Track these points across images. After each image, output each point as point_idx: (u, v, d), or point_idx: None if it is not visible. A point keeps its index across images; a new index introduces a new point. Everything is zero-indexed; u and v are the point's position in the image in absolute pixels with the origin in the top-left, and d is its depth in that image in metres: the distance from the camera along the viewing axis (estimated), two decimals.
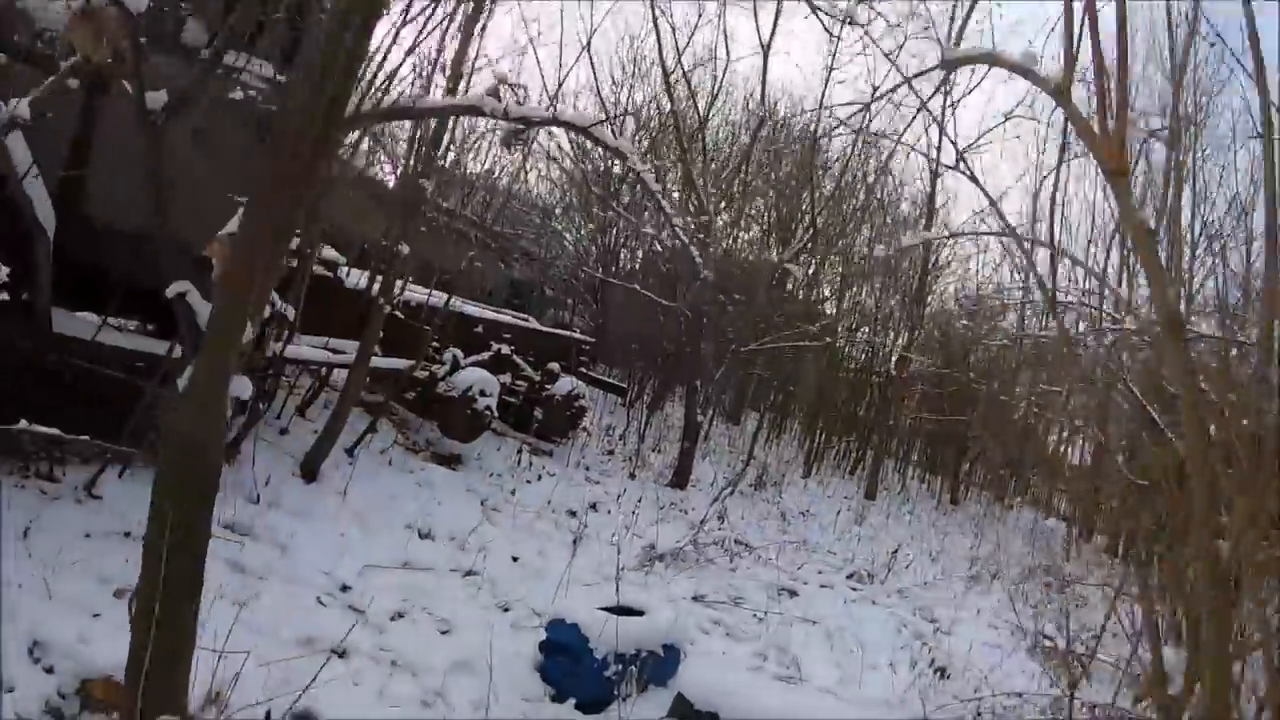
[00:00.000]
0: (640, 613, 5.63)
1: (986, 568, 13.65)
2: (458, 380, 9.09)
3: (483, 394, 9.23)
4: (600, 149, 17.42)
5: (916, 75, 6.43)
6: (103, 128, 5.70)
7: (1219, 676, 3.30)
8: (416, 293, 9.25)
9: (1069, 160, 11.74)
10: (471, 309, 10.24)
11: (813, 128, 15.35)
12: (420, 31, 7.15)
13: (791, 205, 17.97)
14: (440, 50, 7.74)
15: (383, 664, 5.18)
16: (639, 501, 10.70)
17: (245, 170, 6.29)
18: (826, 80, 12.75)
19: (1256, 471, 3.73)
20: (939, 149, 18.73)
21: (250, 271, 3.15)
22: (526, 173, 18.12)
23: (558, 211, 19.61)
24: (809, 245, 15.47)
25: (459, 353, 9.40)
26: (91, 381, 5.65)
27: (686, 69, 13.21)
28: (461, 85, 7.98)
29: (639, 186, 16.88)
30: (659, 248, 14.41)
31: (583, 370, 12.07)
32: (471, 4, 7.47)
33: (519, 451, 10.11)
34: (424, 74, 8.05)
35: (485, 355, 10.06)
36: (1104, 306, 10.66)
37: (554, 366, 11.36)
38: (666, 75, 12.96)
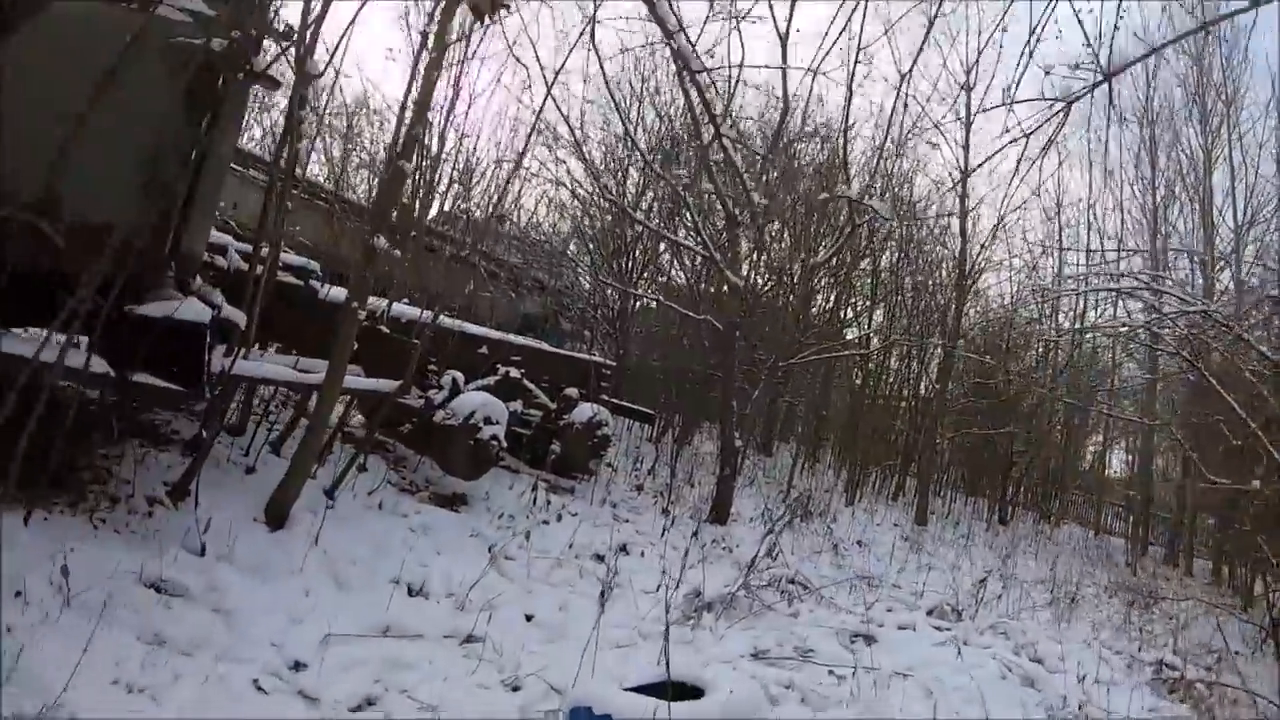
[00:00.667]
0: (695, 690, 3.96)
1: (1061, 590, 11.88)
2: (458, 406, 7.54)
3: (488, 421, 7.66)
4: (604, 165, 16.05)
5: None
6: None
7: None
8: (408, 308, 7.72)
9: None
10: (475, 328, 8.69)
11: (839, 127, 13.77)
12: None
13: (815, 215, 16.45)
14: None
15: None
16: (676, 541, 9.08)
17: (163, 126, 4.94)
18: (851, 76, 11.17)
19: None
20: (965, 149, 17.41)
21: None
22: (517, 203, 16.71)
23: (571, 244, 18.11)
24: (839, 253, 13.87)
25: (459, 376, 7.84)
26: None
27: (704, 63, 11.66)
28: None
29: (659, 197, 15.49)
30: (686, 261, 12.96)
31: (605, 398, 10.44)
32: None
33: (534, 489, 8.50)
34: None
35: (491, 379, 8.49)
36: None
37: (571, 393, 9.77)
38: (680, 73, 11.43)
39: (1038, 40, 6.10)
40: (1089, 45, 5.68)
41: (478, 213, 15.71)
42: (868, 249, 18.83)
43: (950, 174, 17.67)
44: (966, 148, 17.60)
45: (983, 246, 18.73)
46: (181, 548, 5.26)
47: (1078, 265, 23.28)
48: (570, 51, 7.64)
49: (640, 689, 3.79)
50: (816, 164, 16.82)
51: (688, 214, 14.30)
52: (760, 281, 16.16)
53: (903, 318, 20.87)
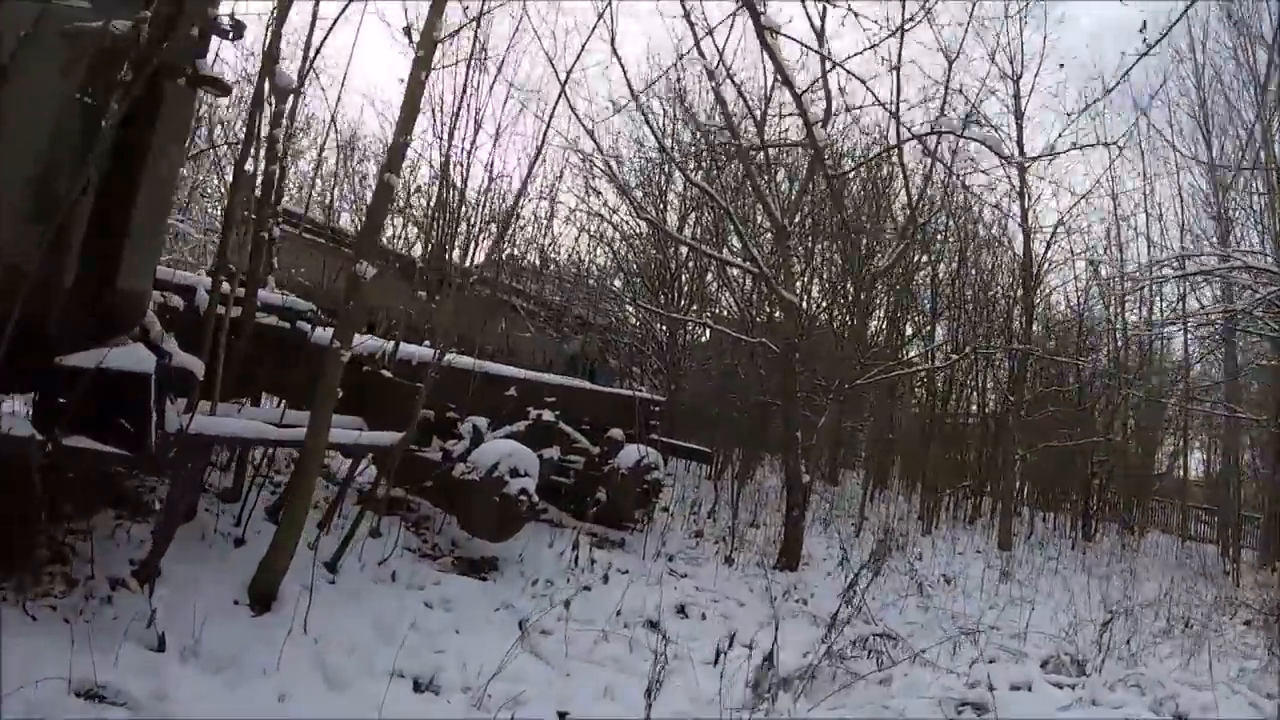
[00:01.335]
0: None
1: (1169, 612, 10.34)
2: (479, 458, 6.40)
3: (516, 473, 6.49)
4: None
5: None
6: None
7: None
8: (418, 349, 6.62)
9: None
10: (500, 368, 7.55)
11: (885, 134, 12.52)
12: None
13: (864, 230, 15.18)
14: None
15: None
16: (743, 594, 7.83)
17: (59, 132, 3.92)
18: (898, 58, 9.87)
19: None
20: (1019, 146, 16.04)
21: None
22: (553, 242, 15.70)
23: (615, 280, 16.99)
24: (901, 259, 12.54)
25: (482, 422, 6.70)
26: None
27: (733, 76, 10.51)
28: None
29: (700, 221, 14.34)
30: (734, 285, 11.77)
31: (655, 438, 9.20)
32: None
33: (576, 546, 7.25)
34: None
35: (521, 425, 7.33)
36: None
37: (616, 434, 8.57)
38: (716, 86, 10.27)
39: None
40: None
41: (512, 250, 14.87)
42: (924, 260, 17.44)
43: (1006, 172, 16.27)
44: (1020, 140, 16.25)
45: (1047, 243, 17.18)
46: (138, 642, 4.19)
47: (1137, 260, 21.56)
48: (585, 43, 6.50)
49: None
50: (864, 159, 15.46)
51: (733, 235, 13.18)
52: (814, 300, 14.87)
53: (965, 329, 19.35)
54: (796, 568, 9.75)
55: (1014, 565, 13.39)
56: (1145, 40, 8.72)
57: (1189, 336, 20.68)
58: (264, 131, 5.51)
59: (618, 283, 17.44)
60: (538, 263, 15.47)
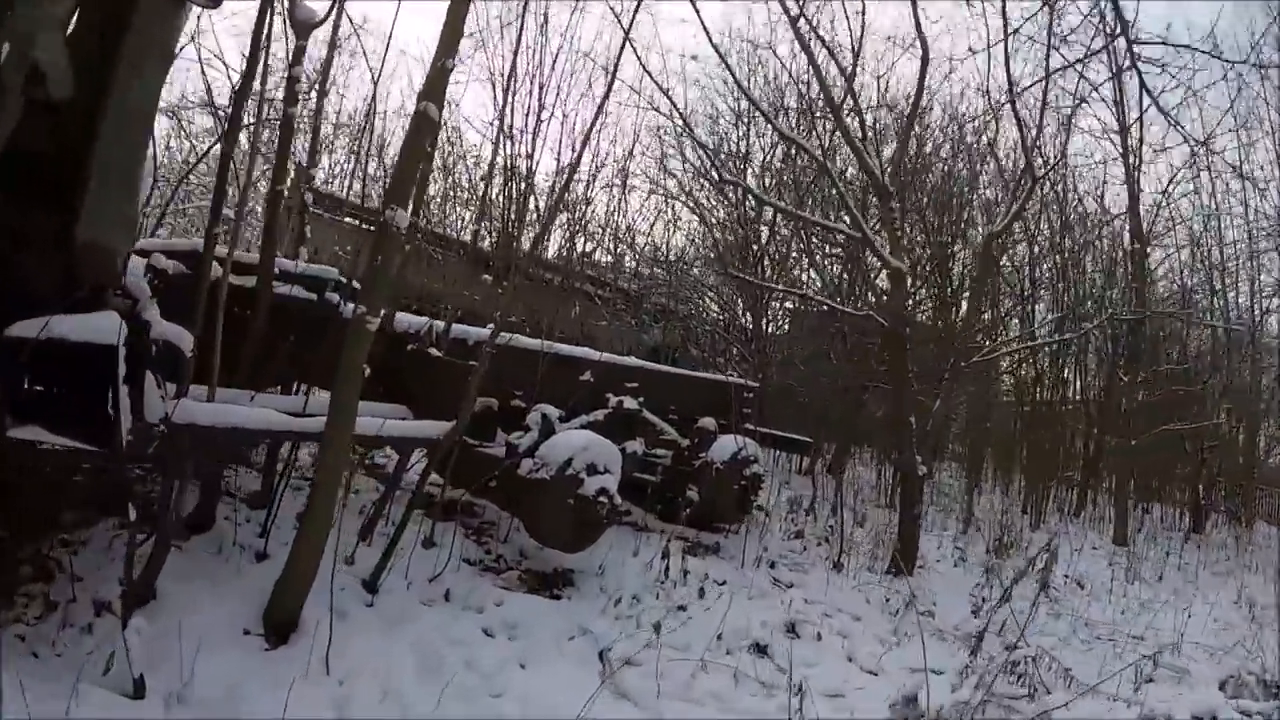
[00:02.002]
0: None
1: None
2: (549, 453, 5.22)
3: (593, 470, 5.30)
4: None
5: None
6: None
7: None
8: (474, 329, 5.47)
9: None
10: (572, 349, 6.37)
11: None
12: None
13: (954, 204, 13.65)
14: None
15: None
16: (857, 605, 6.56)
17: None
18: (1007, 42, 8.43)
19: None
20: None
21: None
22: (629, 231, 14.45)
23: (695, 266, 15.67)
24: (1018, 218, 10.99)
25: (552, 411, 5.52)
26: None
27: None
28: None
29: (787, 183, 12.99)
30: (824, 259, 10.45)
31: (749, 427, 7.91)
32: None
33: (666, 555, 5.99)
34: None
35: (598, 414, 6.13)
36: None
37: (707, 424, 7.32)
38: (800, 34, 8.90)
39: None
40: None
41: (584, 230, 13.76)
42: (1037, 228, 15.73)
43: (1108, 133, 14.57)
44: (1120, 101, 14.53)
45: (1161, 201, 15.32)
46: (112, 685, 3.20)
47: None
48: None
49: None
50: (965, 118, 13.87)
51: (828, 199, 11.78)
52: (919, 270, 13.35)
53: (1071, 301, 17.44)
54: (912, 572, 8.36)
55: (1136, 563, 11.76)
56: None
57: None
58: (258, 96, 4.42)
59: (695, 270, 16.14)
60: (612, 246, 14.31)
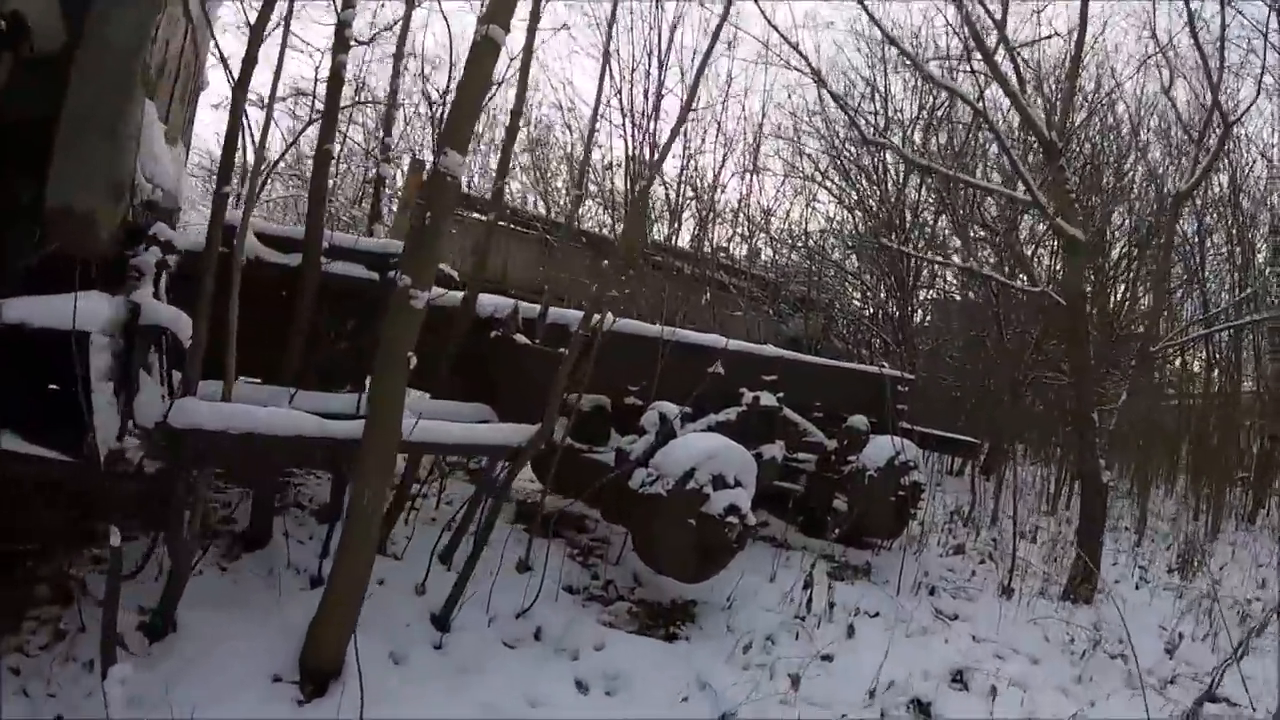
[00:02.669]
0: None
1: None
2: (666, 462, 4.19)
3: (721, 483, 4.25)
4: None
5: None
6: None
7: None
8: (571, 313, 4.48)
9: None
10: (700, 336, 5.30)
11: None
12: None
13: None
14: None
15: None
16: (1033, 644, 5.31)
17: None
18: None
19: None
20: None
21: None
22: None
23: (834, 248, 14.27)
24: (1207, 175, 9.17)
25: (672, 410, 4.48)
26: None
27: None
28: None
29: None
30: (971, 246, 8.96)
31: (905, 426, 6.64)
32: None
33: (807, 584, 4.85)
34: None
35: (729, 412, 5.05)
36: None
37: (858, 422, 6.13)
38: None
39: None
40: None
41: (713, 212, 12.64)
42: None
43: None
44: None
45: None
46: None
47: None
48: None
49: None
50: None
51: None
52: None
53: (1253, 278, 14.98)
54: (1091, 599, 6.93)
55: None
56: None
57: None
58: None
59: (836, 254, 14.74)
60: (747, 231, 13.14)
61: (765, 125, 13.26)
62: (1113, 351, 11.62)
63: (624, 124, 11.80)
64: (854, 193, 13.57)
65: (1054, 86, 10.43)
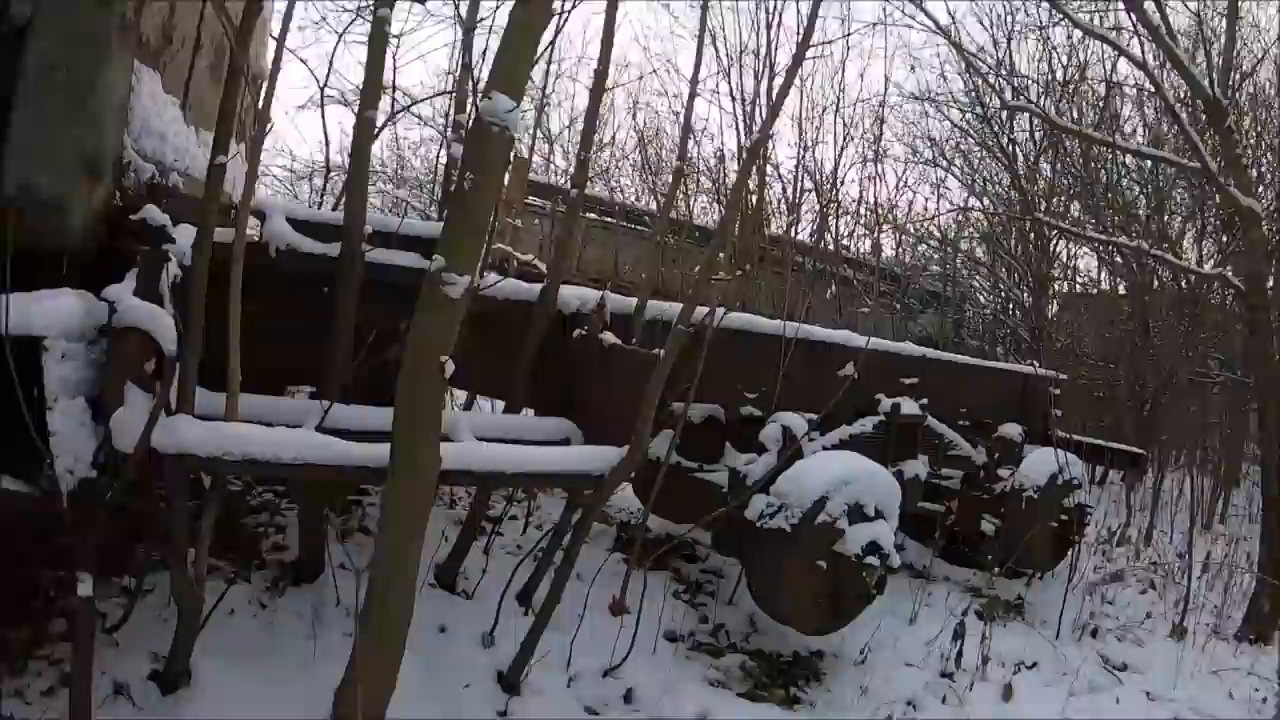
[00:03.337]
0: None
1: None
2: (793, 489, 3.34)
3: (859, 514, 3.41)
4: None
5: None
6: None
7: None
8: (668, 305, 3.67)
9: None
10: (830, 333, 4.41)
11: None
12: None
13: None
14: None
15: None
16: (1218, 705, 4.29)
17: None
18: None
19: None
20: None
21: None
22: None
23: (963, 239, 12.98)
24: None
25: (797, 422, 3.63)
26: None
27: None
28: None
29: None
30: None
31: (1060, 434, 5.56)
32: None
33: (957, 634, 3.92)
34: None
35: (865, 423, 4.17)
36: None
37: (1010, 432, 5.14)
38: None
39: None
40: None
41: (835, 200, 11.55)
42: None
43: None
44: None
45: None
46: None
47: None
48: None
49: None
50: None
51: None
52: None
53: None
54: (1270, 639, 5.71)
55: None
56: None
57: None
58: None
59: (965, 244, 13.43)
60: (873, 223, 12.01)
61: (886, 113, 12.00)
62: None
63: (733, 109, 10.83)
64: (982, 177, 12.33)
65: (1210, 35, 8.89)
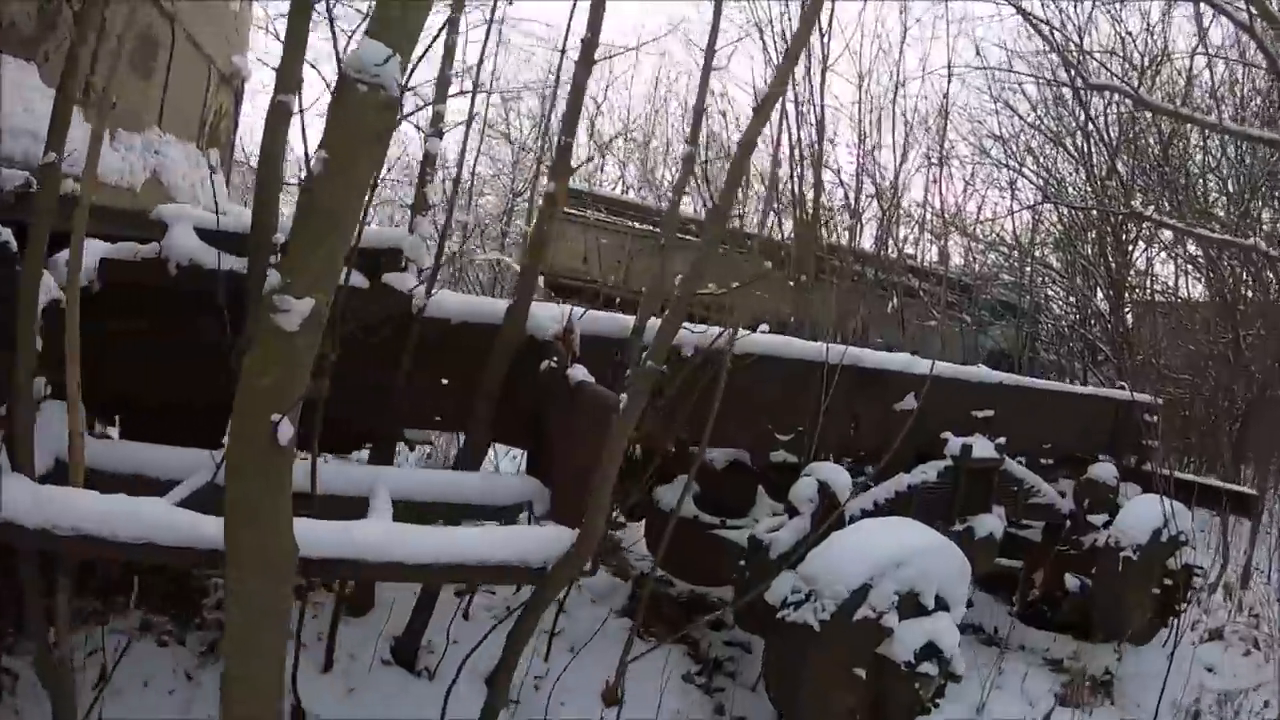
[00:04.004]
0: None
1: None
2: (826, 571, 2.51)
3: (914, 605, 2.56)
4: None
5: None
6: None
7: None
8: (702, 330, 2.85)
9: None
10: (883, 357, 3.53)
11: None
12: None
13: None
14: None
15: None
16: None
17: None
18: None
19: None
20: None
21: None
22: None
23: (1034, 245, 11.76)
24: None
25: (839, 478, 2.80)
26: None
27: None
28: None
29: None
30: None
31: (1158, 472, 4.56)
32: None
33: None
34: None
35: (927, 470, 3.31)
36: None
37: (1102, 474, 4.22)
38: None
39: None
40: None
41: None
42: None
43: None
44: None
45: None
46: None
47: None
48: None
49: None
50: None
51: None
52: None
53: None
54: None
55: None
56: None
57: None
58: None
59: (1038, 251, 12.20)
60: (938, 228, 10.94)
61: (949, 105, 10.88)
62: None
63: (782, 105, 9.89)
64: (1055, 178, 11.13)
65: None
